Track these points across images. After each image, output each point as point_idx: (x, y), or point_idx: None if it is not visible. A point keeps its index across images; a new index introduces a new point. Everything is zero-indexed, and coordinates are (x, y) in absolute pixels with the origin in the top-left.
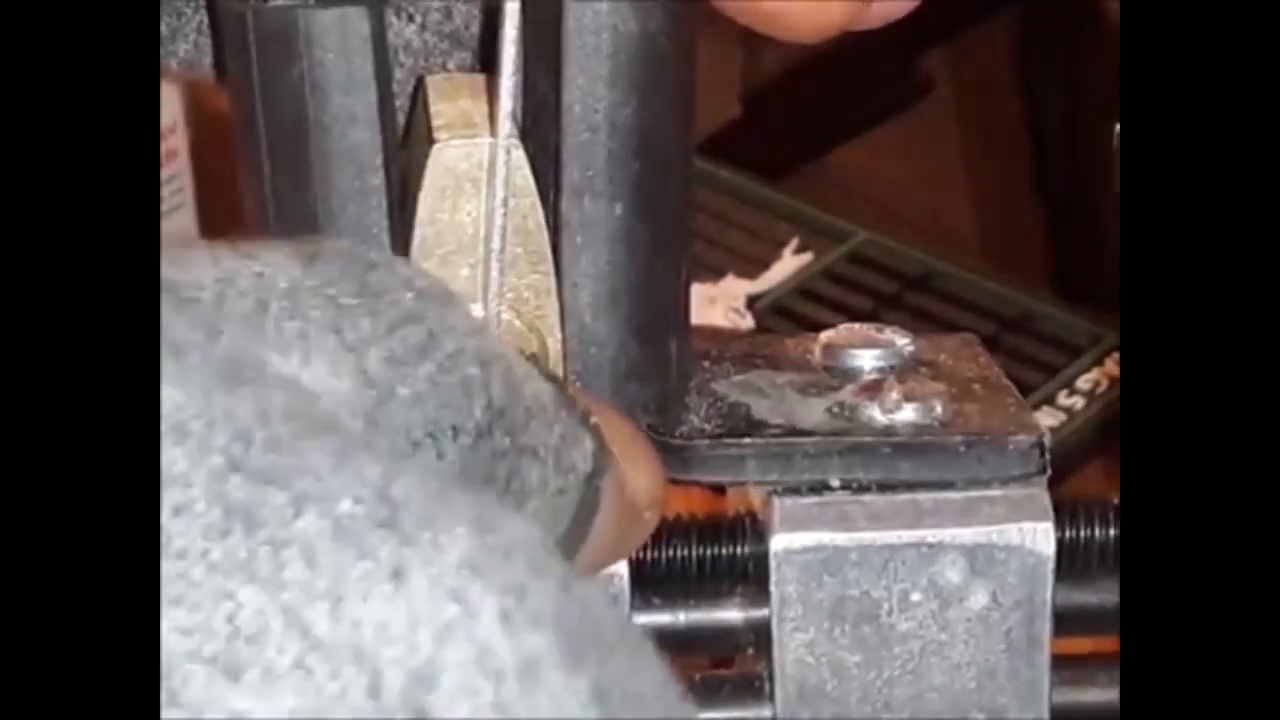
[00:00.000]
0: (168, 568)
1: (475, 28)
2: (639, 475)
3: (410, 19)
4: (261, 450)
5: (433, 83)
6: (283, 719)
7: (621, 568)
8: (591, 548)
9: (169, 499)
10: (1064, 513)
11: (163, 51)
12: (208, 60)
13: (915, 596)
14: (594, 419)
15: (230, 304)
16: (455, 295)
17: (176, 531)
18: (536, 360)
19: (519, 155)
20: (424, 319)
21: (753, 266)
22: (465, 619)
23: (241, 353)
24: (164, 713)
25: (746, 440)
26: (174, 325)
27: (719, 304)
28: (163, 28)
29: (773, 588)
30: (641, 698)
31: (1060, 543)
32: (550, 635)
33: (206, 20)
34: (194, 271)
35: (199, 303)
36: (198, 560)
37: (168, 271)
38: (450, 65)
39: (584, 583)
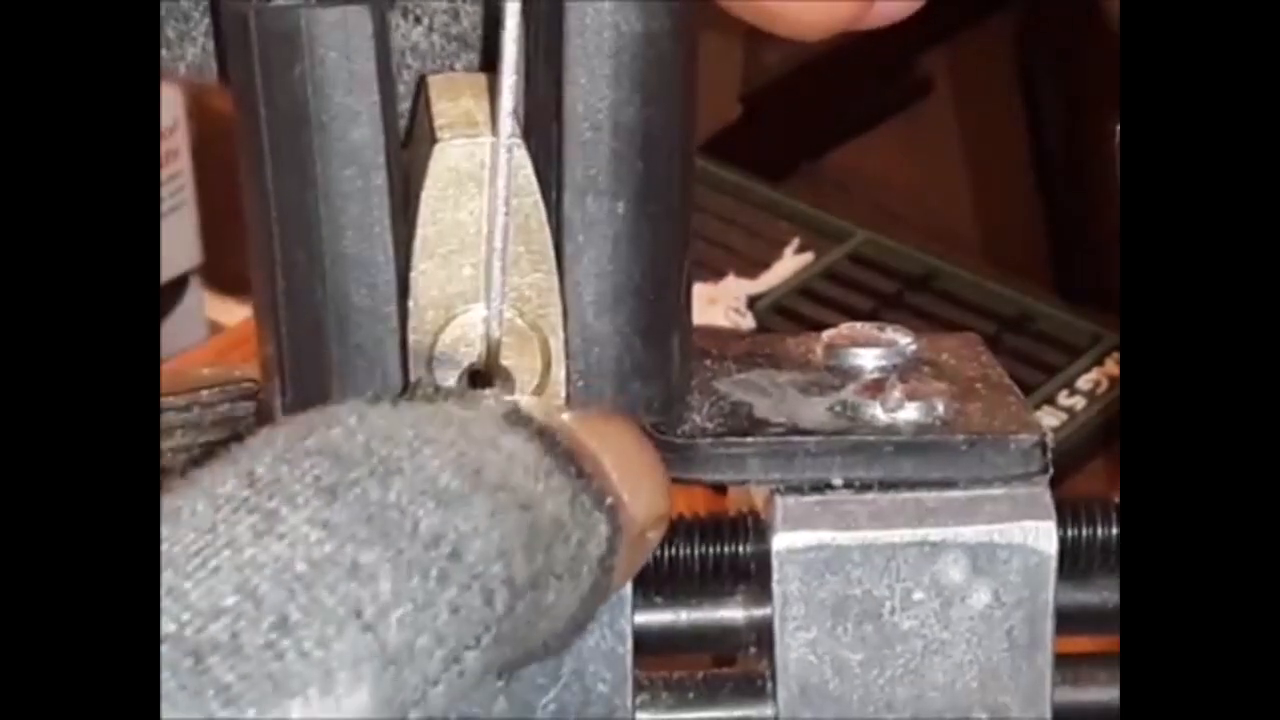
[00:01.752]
0: None
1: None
2: (644, 497)
3: (418, 21)
4: None
5: (435, 82)
6: None
7: None
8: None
9: None
10: (1065, 512)
11: (171, 57)
12: (215, 66)
13: (917, 595)
14: (610, 499)
15: (245, 638)
16: (479, 469)
17: None
18: (553, 437)
19: (521, 154)
20: (445, 538)
21: (753, 266)
22: None
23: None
24: None
25: (748, 439)
26: (192, 707)
27: (720, 304)
28: (170, 33)
29: (775, 586)
30: None
31: (1062, 542)
32: None
33: (214, 26)
34: (204, 580)
35: (217, 649)
36: None
37: (179, 585)
38: (458, 67)
39: None
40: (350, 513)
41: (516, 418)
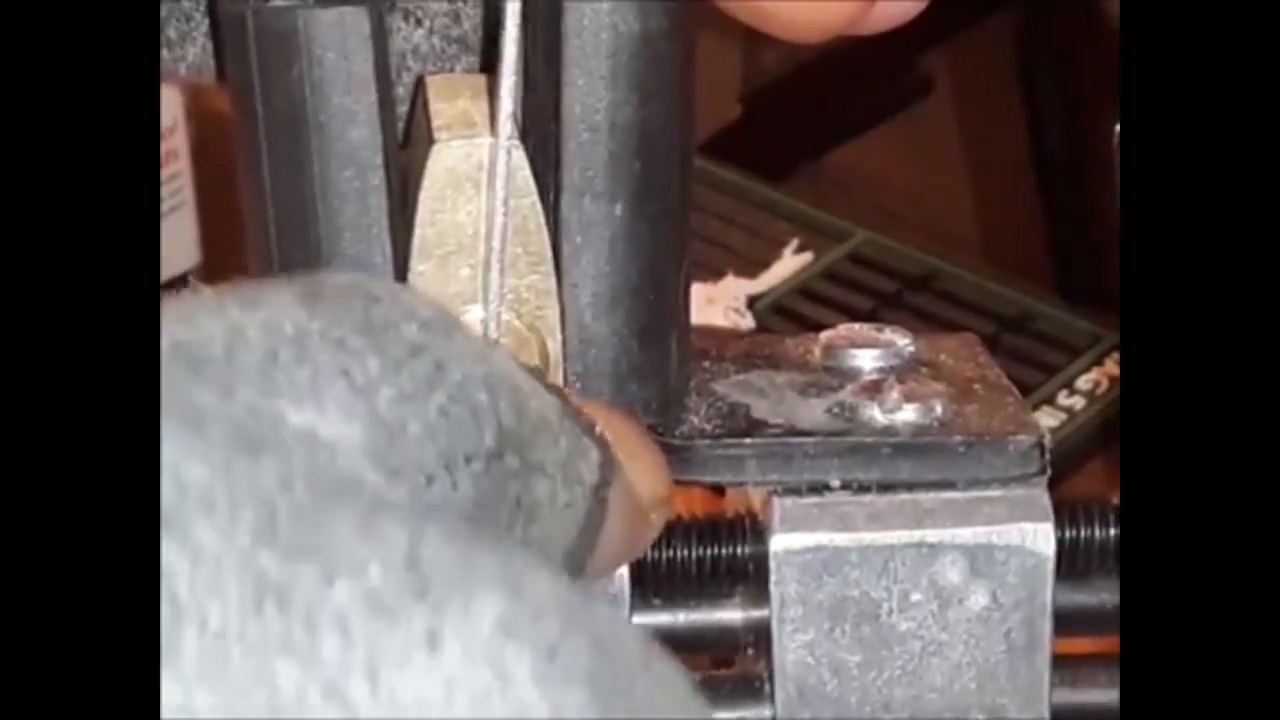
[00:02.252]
0: (203, 647)
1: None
2: (645, 477)
3: (418, 23)
4: (288, 523)
5: (433, 83)
6: None
7: (622, 568)
8: (600, 555)
9: (202, 576)
10: (1064, 513)
11: (171, 57)
12: (215, 66)
13: (915, 597)
14: (600, 429)
15: (240, 357)
16: (459, 321)
17: (212, 611)
18: (540, 374)
19: (519, 155)
20: (429, 350)
21: (753, 266)
22: (501, 683)
23: (258, 410)
24: None
25: (746, 440)
26: (190, 391)
27: (719, 304)
28: (171, 33)
29: (773, 588)
30: None
31: (1060, 543)
32: (584, 691)
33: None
34: (201, 326)
35: (211, 361)
36: (234, 640)
37: (175, 329)
38: (458, 70)
39: (610, 627)
40: (333, 312)
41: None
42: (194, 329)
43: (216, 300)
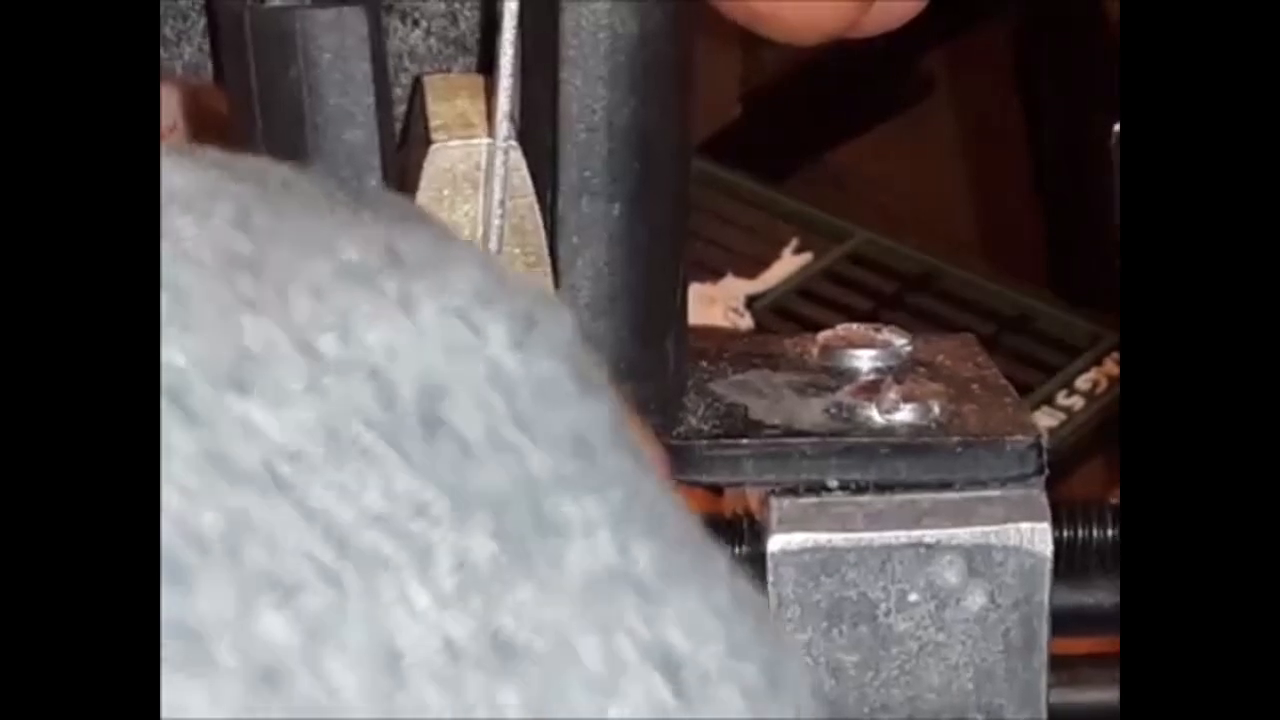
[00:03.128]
0: (169, 302)
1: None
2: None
3: (415, 24)
4: (266, 215)
5: (430, 83)
6: (295, 430)
7: None
8: None
9: (172, 249)
10: (1062, 513)
11: (168, 56)
12: (212, 66)
13: (913, 597)
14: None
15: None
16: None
17: (180, 275)
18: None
19: (516, 156)
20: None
21: (752, 266)
22: (475, 339)
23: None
24: (176, 430)
25: (744, 441)
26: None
27: (718, 304)
28: (168, 32)
29: (770, 588)
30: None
31: (1058, 543)
32: (564, 364)
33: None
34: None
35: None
36: (202, 299)
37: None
38: (455, 71)
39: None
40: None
41: None
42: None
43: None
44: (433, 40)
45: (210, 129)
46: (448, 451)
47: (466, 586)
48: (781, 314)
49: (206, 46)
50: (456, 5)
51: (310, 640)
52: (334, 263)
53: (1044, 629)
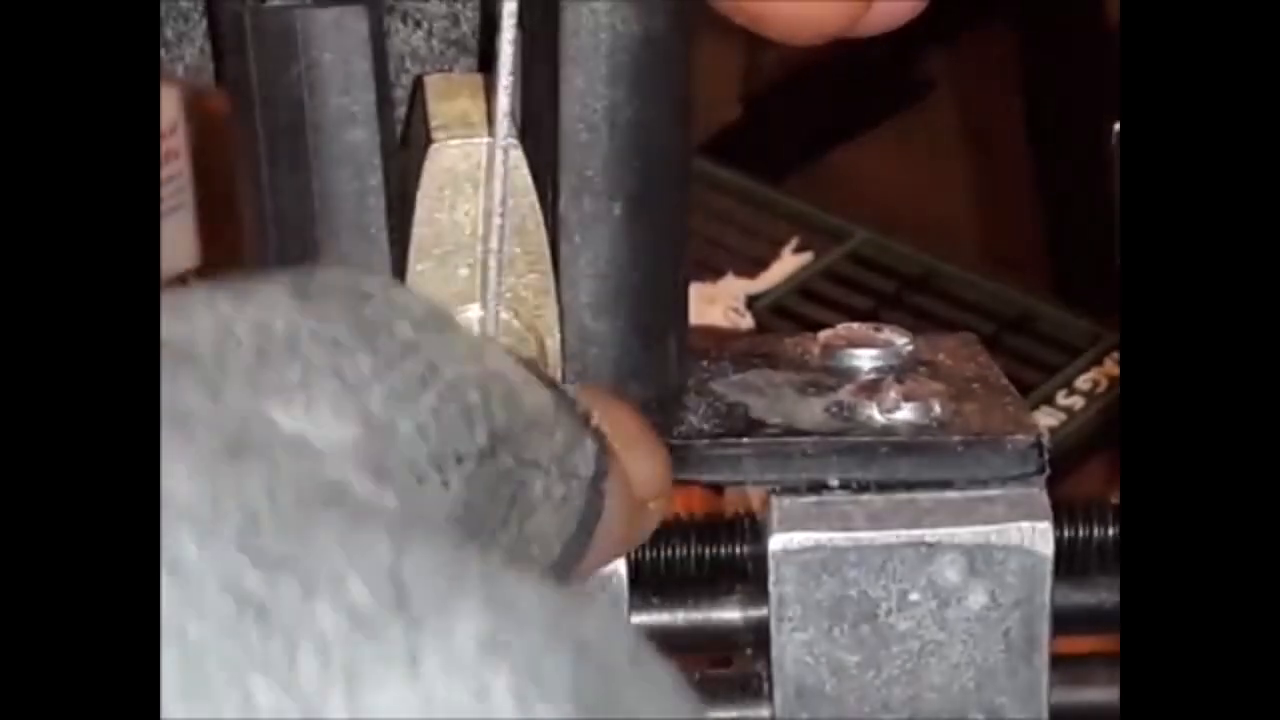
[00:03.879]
0: (181, 660)
1: None
2: (643, 466)
3: (417, 25)
4: (272, 534)
5: (431, 83)
6: None
7: (620, 567)
8: (599, 545)
9: (181, 591)
10: (1062, 512)
11: (169, 58)
12: (214, 67)
13: (914, 596)
14: (595, 421)
15: (230, 357)
16: (452, 319)
17: (190, 624)
18: (536, 365)
19: (517, 155)
20: (421, 349)
21: (752, 266)
22: (480, 703)
23: (246, 412)
24: None
25: (745, 440)
26: (176, 390)
27: (718, 304)
28: (169, 34)
29: (771, 587)
30: None
31: (1059, 542)
32: (566, 706)
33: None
34: (190, 321)
35: (199, 360)
36: (212, 654)
37: (164, 324)
38: (456, 72)
39: (599, 634)
40: (325, 308)
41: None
42: (183, 324)
43: (207, 294)
44: (434, 41)
45: (211, 130)
46: None
47: None
48: (782, 314)
49: (208, 48)
50: (458, 6)
51: None
52: (341, 604)
53: (1045, 628)
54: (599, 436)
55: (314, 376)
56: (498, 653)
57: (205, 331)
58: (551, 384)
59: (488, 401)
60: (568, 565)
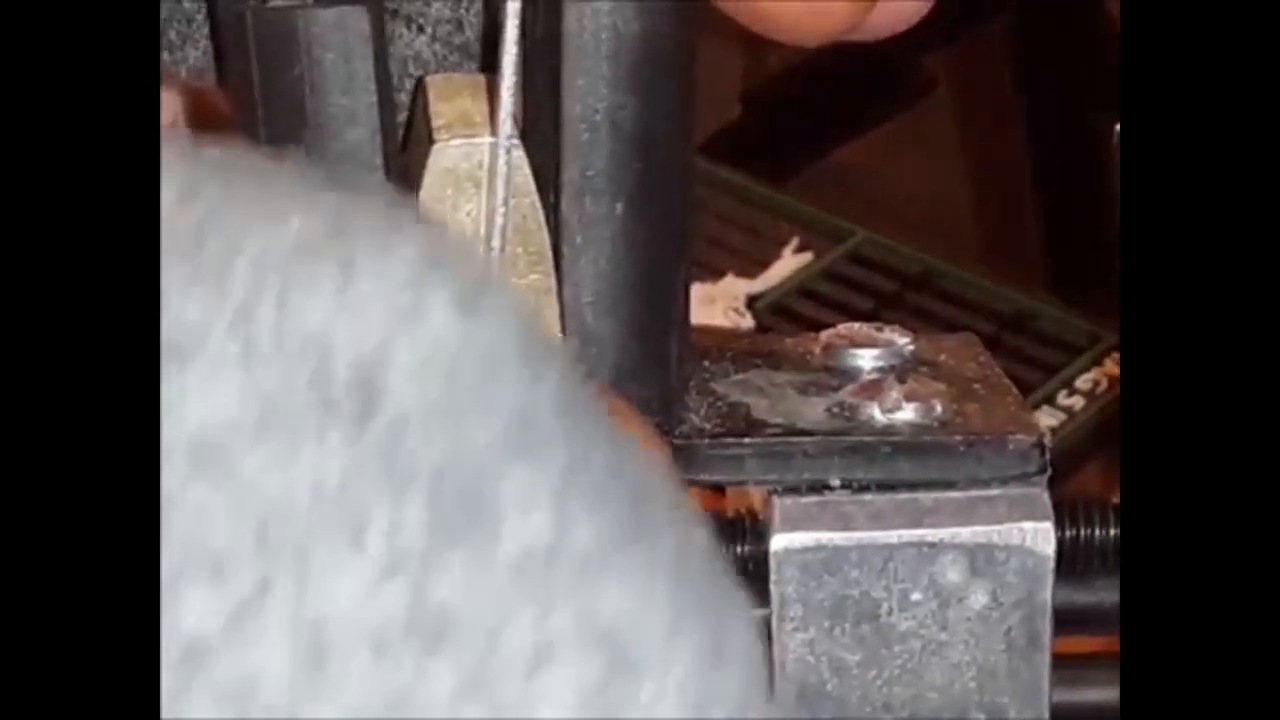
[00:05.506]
0: None
1: None
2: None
3: (421, 30)
4: (215, 187)
5: (433, 83)
6: (228, 404)
7: None
8: None
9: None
10: (1064, 512)
11: (172, 59)
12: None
13: (915, 596)
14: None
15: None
16: None
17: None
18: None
19: (519, 155)
20: None
21: (752, 266)
22: (415, 311)
23: None
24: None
25: (746, 440)
26: None
27: (719, 304)
28: (172, 35)
29: (772, 587)
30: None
31: (1060, 542)
32: (508, 335)
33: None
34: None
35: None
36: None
37: None
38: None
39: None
40: None
41: None
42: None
43: None
44: (438, 46)
45: (211, 130)
46: (383, 424)
47: (398, 560)
48: (782, 313)
49: (211, 50)
50: (461, 11)
51: (236, 619)
52: (278, 232)
53: (1046, 628)
54: None
55: None
56: (436, 273)
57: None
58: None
59: None
60: None
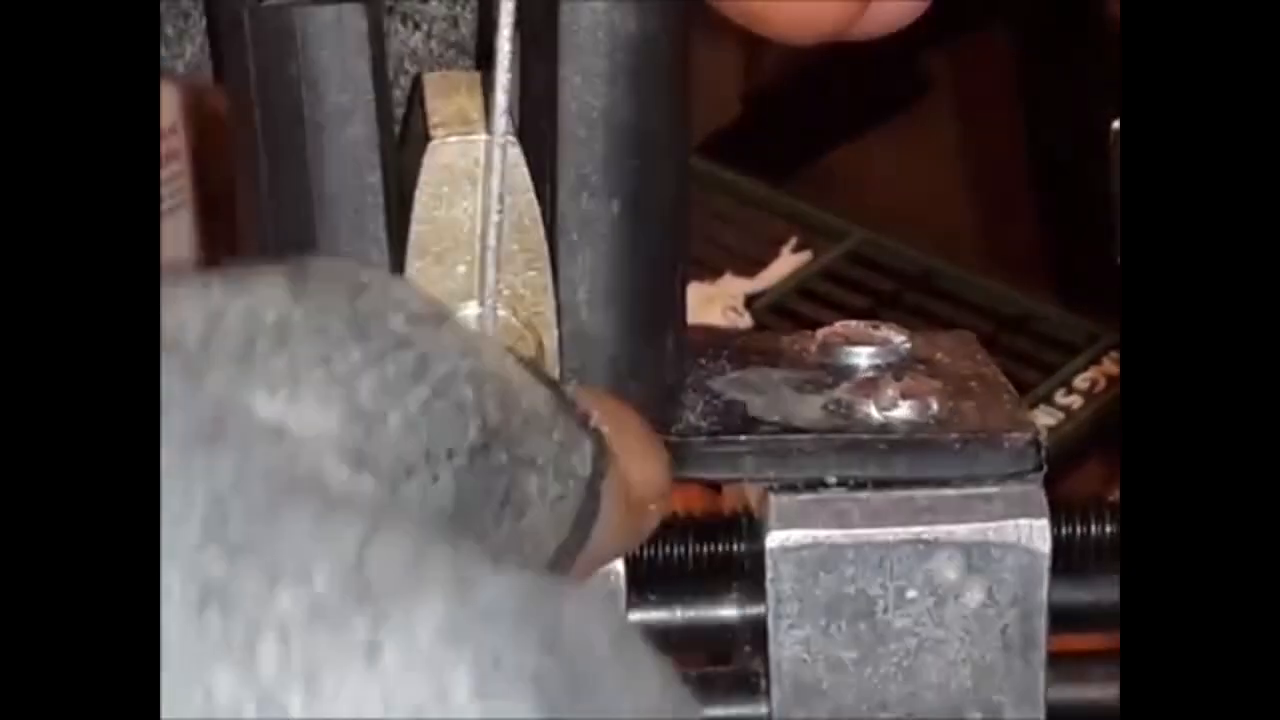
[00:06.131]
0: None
1: None
2: (644, 468)
3: (416, 27)
4: (239, 520)
5: (429, 80)
6: None
7: (618, 565)
8: (596, 546)
9: None
10: (1060, 510)
11: (169, 55)
12: (213, 65)
13: (911, 593)
14: (595, 422)
15: (217, 344)
16: (449, 314)
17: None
18: (536, 364)
19: (515, 152)
20: (414, 343)
21: (751, 265)
22: (438, 696)
23: (225, 399)
24: None
25: (743, 437)
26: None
27: (717, 303)
28: (169, 31)
29: (769, 585)
30: None
31: (1056, 540)
32: (529, 699)
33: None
34: (181, 309)
35: (182, 347)
36: (175, 640)
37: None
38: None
39: (577, 622)
40: (319, 298)
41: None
42: (173, 312)
43: (202, 283)
44: (434, 43)
45: (211, 130)
46: None
47: None
48: (780, 313)
49: (207, 46)
50: (457, 8)
51: None
52: (304, 594)
53: (1043, 626)
54: (598, 437)
55: (301, 366)
56: (458, 644)
57: (195, 319)
58: (551, 383)
59: (482, 397)
60: (563, 564)
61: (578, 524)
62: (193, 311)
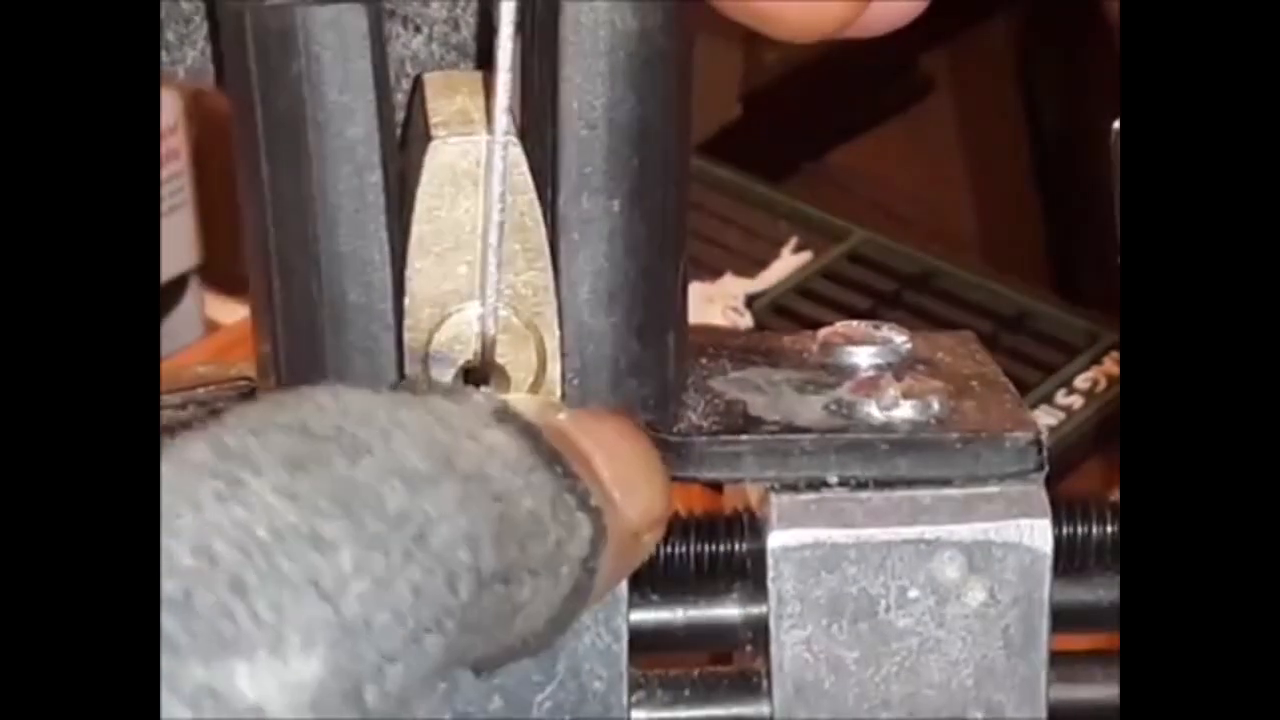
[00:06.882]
0: None
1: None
2: (639, 501)
3: (417, 30)
4: None
5: (430, 80)
6: None
7: None
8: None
9: None
10: (1061, 510)
11: (170, 59)
12: (214, 69)
13: (913, 593)
14: (595, 499)
15: (199, 600)
16: (452, 453)
17: None
18: (539, 436)
19: (516, 152)
20: (412, 518)
21: (751, 265)
22: None
23: (205, 683)
24: None
25: (744, 437)
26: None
27: (718, 303)
28: (170, 36)
29: (770, 585)
30: None
31: (1058, 540)
32: None
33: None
34: (175, 534)
35: (172, 604)
36: None
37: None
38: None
39: None
40: (315, 485)
41: (503, 414)
42: (167, 530)
43: (193, 486)
44: (434, 46)
45: (211, 130)
46: None
47: None
48: (781, 313)
49: (209, 51)
50: (458, 11)
51: None
52: None
53: (1044, 625)
54: (595, 515)
55: (288, 598)
56: None
57: (183, 555)
58: (551, 457)
59: (476, 556)
60: (551, 634)
61: (570, 597)
62: (183, 539)
